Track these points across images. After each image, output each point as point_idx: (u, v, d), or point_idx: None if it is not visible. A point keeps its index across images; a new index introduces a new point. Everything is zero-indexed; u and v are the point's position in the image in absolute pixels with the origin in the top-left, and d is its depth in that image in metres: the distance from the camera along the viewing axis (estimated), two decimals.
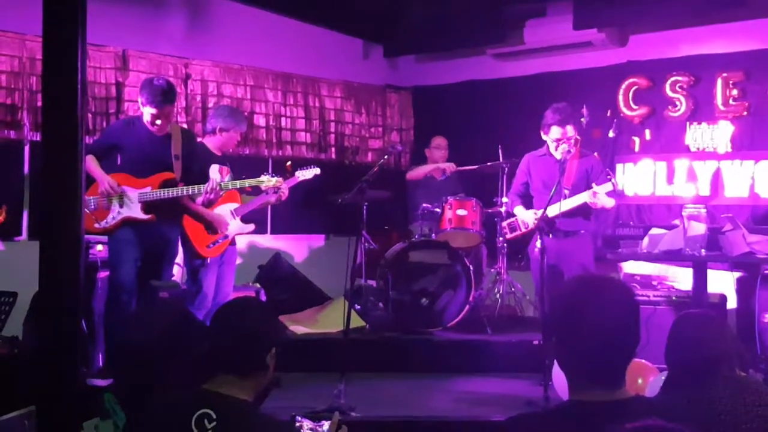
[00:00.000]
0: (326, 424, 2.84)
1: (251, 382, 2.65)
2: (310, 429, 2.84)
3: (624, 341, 2.12)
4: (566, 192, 5.85)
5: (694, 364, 2.88)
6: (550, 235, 5.72)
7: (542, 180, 6.06)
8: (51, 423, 2.53)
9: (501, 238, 7.01)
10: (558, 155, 5.88)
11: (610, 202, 5.90)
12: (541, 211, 5.69)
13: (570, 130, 5.87)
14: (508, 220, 6.36)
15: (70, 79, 2.52)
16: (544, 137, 6.00)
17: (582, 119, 7.33)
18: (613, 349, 2.10)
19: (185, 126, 7.26)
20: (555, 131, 5.87)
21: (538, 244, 5.60)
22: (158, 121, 5.36)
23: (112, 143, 5.50)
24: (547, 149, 6.01)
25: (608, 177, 5.84)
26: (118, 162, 5.47)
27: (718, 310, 5.91)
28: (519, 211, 6.17)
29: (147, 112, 5.36)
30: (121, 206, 5.36)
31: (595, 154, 6.62)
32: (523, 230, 6.16)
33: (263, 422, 2.58)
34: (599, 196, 5.72)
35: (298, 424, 2.82)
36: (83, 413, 3.72)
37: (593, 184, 5.79)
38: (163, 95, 5.31)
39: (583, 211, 5.87)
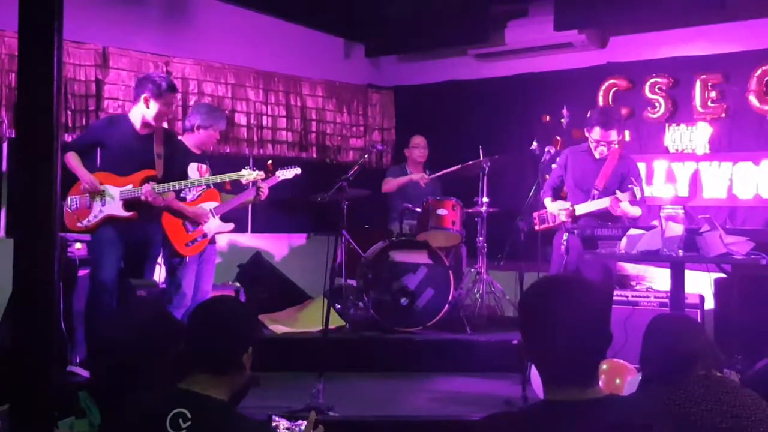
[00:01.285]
0: (303, 424, 2.84)
1: (227, 382, 2.64)
2: (287, 429, 2.83)
3: (594, 340, 2.11)
4: (596, 193, 5.88)
5: (668, 364, 2.90)
6: (575, 232, 5.75)
7: (575, 176, 6.10)
8: (25, 422, 2.51)
9: (481, 238, 7.04)
10: (596, 155, 5.92)
11: (634, 211, 5.88)
12: (568, 204, 5.73)
13: (613, 134, 5.92)
14: (539, 212, 6.35)
15: (46, 75, 2.49)
16: (585, 134, 6.03)
17: (562, 120, 7.38)
18: (582, 348, 2.09)
19: (165, 124, 7.22)
20: (597, 132, 5.91)
21: (564, 239, 5.65)
22: (164, 116, 5.50)
23: (95, 141, 5.48)
24: (588, 146, 6.04)
25: (631, 186, 5.81)
26: (100, 160, 5.45)
27: (696, 311, 5.97)
28: (548, 203, 6.18)
29: (153, 108, 5.37)
30: (102, 204, 5.34)
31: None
32: (551, 224, 6.16)
33: (239, 422, 2.57)
34: (622, 203, 5.73)
35: (274, 423, 2.82)
36: (58, 412, 3.71)
37: (617, 191, 5.82)
38: (170, 86, 5.43)
39: (611, 215, 5.88)
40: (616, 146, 6.02)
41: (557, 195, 6.24)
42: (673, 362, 2.89)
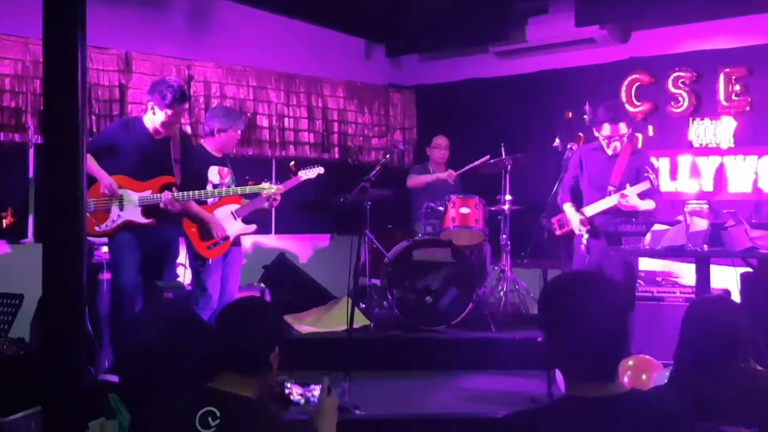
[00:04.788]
0: (316, 389, 2.85)
1: (255, 381, 2.67)
2: (300, 394, 2.86)
3: (614, 335, 2.12)
4: (611, 189, 5.86)
5: (707, 350, 2.78)
6: (596, 233, 5.75)
7: (590, 175, 6.08)
8: (57, 423, 2.55)
9: (504, 236, 7.03)
10: (609, 151, 5.90)
11: (643, 204, 5.84)
12: (579, 216, 5.76)
13: (622, 127, 5.90)
14: (558, 216, 6.31)
15: (71, 81, 2.53)
16: (596, 134, 6.02)
17: (584, 116, 7.35)
18: (603, 344, 2.10)
19: (188, 128, 7.29)
20: (606, 128, 5.89)
21: (584, 239, 5.63)
22: (169, 125, 5.37)
23: (109, 144, 5.43)
24: (599, 143, 6.03)
25: (646, 175, 5.78)
26: (117, 163, 5.40)
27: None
28: (568, 209, 6.14)
29: (161, 115, 5.33)
30: (121, 209, 5.33)
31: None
32: (571, 227, 6.13)
33: (267, 420, 2.60)
34: (629, 198, 5.71)
35: (287, 390, 2.83)
36: (89, 413, 3.75)
37: (627, 185, 5.80)
38: (182, 94, 5.33)
39: (626, 213, 5.85)
40: (626, 140, 5.98)
41: (576, 196, 6.20)
42: (713, 348, 2.77)
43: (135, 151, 5.41)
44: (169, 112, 5.31)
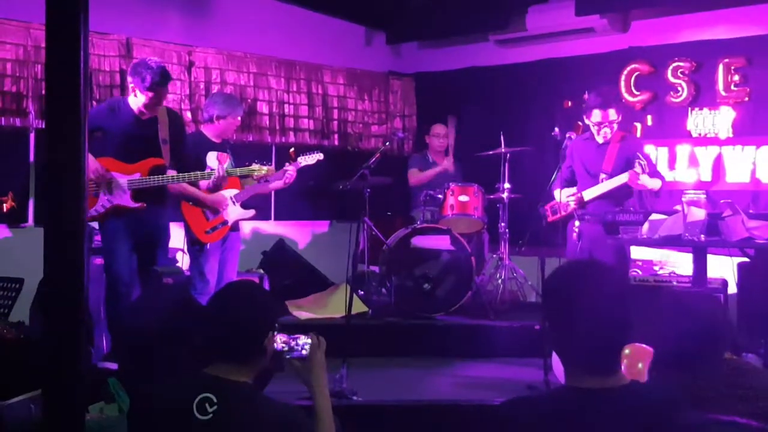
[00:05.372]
0: (300, 338, 2.88)
1: (250, 366, 2.68)
2: (284, 342, 2.87)
3: (618, 327, 2.12)
4: (603, 177, 5.86)
5: (688, 342, 2.79)
6: (587, 218, 5.74)
7: (583, 164, 6.07)
8: (57, 406, 2.57)
9: (503, 224, 7.05)
10: (600, 139, 5.90)
11: (654, 183, 5.82)
12: (573, 189, 5.73)
13: (612, 113, 5.88)
14: (551, 203, 6.32)
15: (73, 66, 2.54)
16: (586, 121, 6.02)
17: (583, 105, 7.35)
18: (606, 336, 2.10)
19: (189, 113, 7.30)
20: (596, 114, 5.88)
21: (576, 226, 5.65)
22: (154, 105, 5.30)
23: (94, 126, 5.28)
24: (591, 133, 6.02)
25: (637, 161, 5.69)
26: (103, 145, 5.33)
27: (719, 295, 5.97)
28: (556, 193, 6.14)
29: (142, 97, 5.26)
30: (110, 193, 5.28)
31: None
32: (563, 213, 6.15)
33: (264, 404, 2.61)
34: (641, 176, 5.65)
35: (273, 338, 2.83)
36: (90, 397, 3.78)
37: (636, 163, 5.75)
38: (163, 76, 5.24)
39: (622, 196, 5.87)
40: (616, 127, 5.96)
41: (571, 186, 6.20)
42: (691, 341, 2.76)
43: (121, 134, 5.33)
44: (150, 94, 5.24)
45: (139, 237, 5.40)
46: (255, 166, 5.77)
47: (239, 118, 6.16)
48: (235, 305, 2.73)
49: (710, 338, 2.80)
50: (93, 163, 5.16)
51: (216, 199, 5.83)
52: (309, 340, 2.90)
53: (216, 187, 5.77)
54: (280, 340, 2.84)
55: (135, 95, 5.30)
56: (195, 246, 5.85)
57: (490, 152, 7.13)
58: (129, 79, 5.33)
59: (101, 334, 5.70)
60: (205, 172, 5.71)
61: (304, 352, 2.88)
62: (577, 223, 5.77)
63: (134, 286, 5.39)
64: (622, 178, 5.76)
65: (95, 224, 5.52)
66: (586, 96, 7.27)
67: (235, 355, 2.65)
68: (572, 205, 5.93)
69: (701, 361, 2.74)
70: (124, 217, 5.33)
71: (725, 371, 2.73)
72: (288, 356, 2.87)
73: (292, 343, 2.87)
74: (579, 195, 5.93)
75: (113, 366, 5.04)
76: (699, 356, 2.76)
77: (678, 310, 2.95)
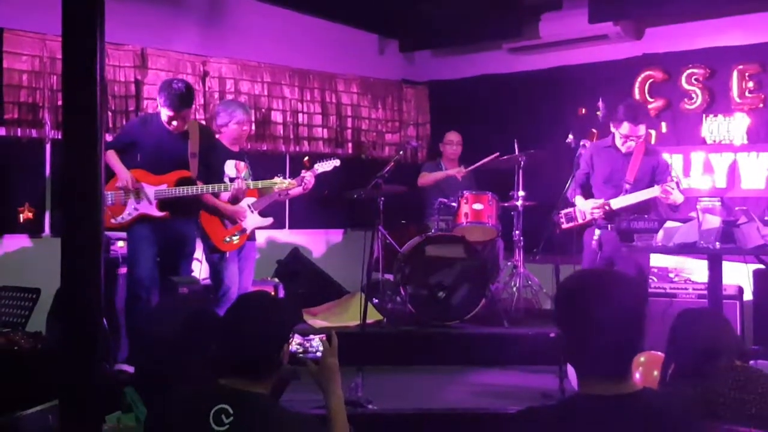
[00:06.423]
0: (315, 339, 2.89)
1: (266, 378, 2.65)
2: (299, 344, 2.88)
3: (629, 335, 2.12)
4: (627, 187, 5.84)
5: (695, 357, 2.97)
6: (609, 227, 5.72)
7: (603, 173, 6.02)
8: (74, 417, 2.58)
9: (517, 232, 7.04)
10: (623, 149, 5.88)
11: (681, 197, 5.81)
12: (601, 200, 5.72)
13: (642, 129, 5.85)
14: (565, 210, 6.26)
15: (89, 77, 2.56)
16: (612, 129, 5.96)
17: (598, 112, 7.34)
18: (619, 343, 2.09)
19: (203, 123, 7.34)
20: (626, 127, 5.81)
21: (596, 235, 5.62)
22: (174, 122, 5.48)
23: (130, 140, 5.59)
24: (613, 141, 5.97)
25: (670, 178, 5.75)
26: (138, 159, 5.55)
27: (735, 302, 5.95)
28: (579, 201, 6.09)
29: (164, 113, 5.47)
30: (137, 202, 5.46)
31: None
32: (581, 221, 6.11)
33: (280, 415, 2.60)
34: (673, 193, 5.64)
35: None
36: (106, 406, 3.80)
37: (661, 183, 5.75)
38: (180, 99, 5.40)
39: (645, 208, 5.84)
40: (648, 134, 5.97)
41: (585, 193, 6.18)
42: (699, 355, 2.96)
43: (152, 146, 5.53)
44: (171, 113, 5.44)
45: (164, 246, 5.55)
46: (277, 180, 5.84)
47: (245, 123, 6.17)
48: (248, 321, 2.70)
49: (711, 354, 2.95)
50: (124, 174, 5.42)
51: (236, 210, 5.89)
52: (321, 342, 2.92)
53: (236, 199, 5.83)
54: (294, 342, 2.85)
55: (161, 111, 5.49)
56: (214, 254, 5.90)
57: (505, 157, 7.13)
58: (157, 95, 5.56)
59: (120, 342, 5.73)
60: (227, 183, 5.78)
61: (318, 353, 2.89)
62: (597, 231, 5.74)
63: (154, 291, 5.48)
64: (654, 192, 5.73)
65: (112, 234, 5.62)
66: (600, 104, 7.28)
67: (249, 369, 2.64)
68: (597, 215, 5.88)
69: (705, 374, 2.84)
70: (150, 224, 5.49)
71: (733, 378, 2.79)
72: (302, 356, 2.89)
73: (306, 345, 2.88)
74: (605, 204, 5.86)
75: (130, 369, 5.08)
76: (701, 371, 2.89)
77: (681, 329, 3.10)
